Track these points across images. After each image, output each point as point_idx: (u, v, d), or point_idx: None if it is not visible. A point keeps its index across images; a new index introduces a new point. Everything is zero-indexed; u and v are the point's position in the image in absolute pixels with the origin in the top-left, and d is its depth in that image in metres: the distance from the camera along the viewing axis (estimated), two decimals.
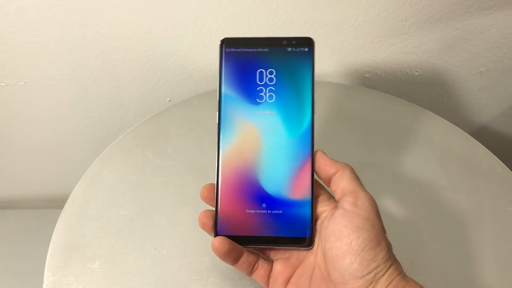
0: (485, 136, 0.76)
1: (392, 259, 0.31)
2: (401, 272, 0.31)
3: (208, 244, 0.46)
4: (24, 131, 0.76)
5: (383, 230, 0.32)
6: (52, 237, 0.48)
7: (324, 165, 0.35)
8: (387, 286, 0.30)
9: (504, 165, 0.54)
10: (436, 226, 0.48)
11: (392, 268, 0.31)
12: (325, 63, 0.65)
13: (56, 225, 0.49)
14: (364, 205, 0.32)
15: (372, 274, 0.30)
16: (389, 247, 0.32)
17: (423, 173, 0.53)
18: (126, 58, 0.64)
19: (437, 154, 0.55)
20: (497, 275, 0.44)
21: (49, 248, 0.47)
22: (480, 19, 0.59)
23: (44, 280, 0.44)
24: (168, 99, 0.71)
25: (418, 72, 0.66)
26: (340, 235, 0.31)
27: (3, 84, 0.67)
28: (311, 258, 0.35)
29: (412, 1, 0.57)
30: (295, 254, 0.35)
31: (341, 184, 0.34)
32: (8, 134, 0.77)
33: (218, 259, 0.35)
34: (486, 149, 0.56)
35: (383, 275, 0.30)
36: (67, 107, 0.72)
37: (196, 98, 0.63)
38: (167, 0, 0.57)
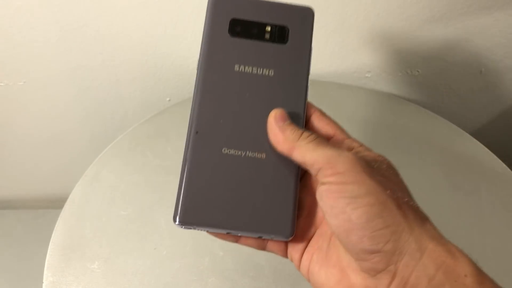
0: (485, 136, 0.76)
1: (413, 216, 0.25)
2: (434, 235, 0.25)
3: (208, 244, 0.46)
4: (23, 131, 0.76)
5: (382, 186, 0.25)
6: (52, 237, 0.47)
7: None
8: (421, 257, 0.24)
9: (505, 165, 0.54)
10: (435, 226, 0.48)
11: (418, 232, 0.25)
12: (325, 63, 0.65)
13: (56, 225, 0.48)
14: (345, 168, 0.26)
15: (390, 244, 0.24)
16: (399, 202, 0.26)
17: (423, 173, 0.53)
18: (126, 58, 0.64)
19: (437, 154, 0.55)
20: (497, 275, 0.44)
21: (49, 248, 0.46)
22: (481, 19, 0.59)
23: (44, 280, 0.44)
24: (168, 99, 0.71)
25: (418, 72, 0.66)
26: (334, 212, 0.25)
27: (2, 84, 0.67)
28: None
29: (412, 1, 0.57)
30: (314, 212, 0.30)
31: (308, 155, 0.27)
32: (8, 134, 0.77)
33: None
34: (486, 149, 0.56)
35: (407, 239, 0.24)
36: (67, 107, 0.72)
37: None
38: (166, 0, 0.57)
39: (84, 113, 0.73)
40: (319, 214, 0.30)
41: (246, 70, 0.31)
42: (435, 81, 0.68)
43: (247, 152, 0.30)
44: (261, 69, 0.31)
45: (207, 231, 0.30)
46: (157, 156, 0.55)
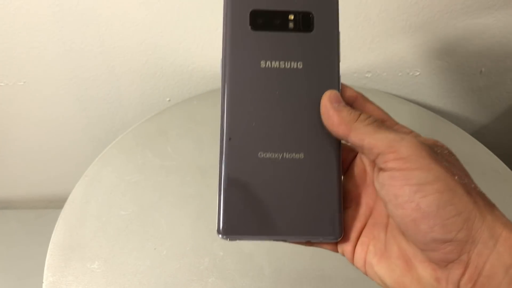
0: (486, 136, 0.76)
1: (482, 202, 0.24)
2: (505, 222, 0.24)
3: (208, 244, 0.46)
4: (23, 131, 0.76)
5: (449, 172, 0.24)
6: (52, 237, 0.47)
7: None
8: (495, 245, 0.23)
9: (505, 165, 0.54)
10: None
11: (490, 219, 0.23)
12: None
13: (56, 225, 0.48)
14: (409, 153, 0.24)
15: (463, 232, 0.23)
16: (468, 189, 0.24)
17: None
18: (126, 58, 0.64)
19: None
20: None
21: (49, 248, 0.46)
22: (481, 18, 0.59)
23: (44, 280, 0.44)
24: (168, 99, 0.71)
25: (418, 72, 0.66)
26: (399, 201, 0.24)
27: (2, 84, 0.67)
28: (381, 205, 0.28)
29: (412, 0, 0.57)
30: (364, 201, 0.29)
31: (367, 138, 0.25)
32: (8, 134, 0.76)
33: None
34: (486, 149, 0.56)
35: (480, 227, 0.23)
36: (66, 107, 0.72)
37: (196, 98, 0.63)
38: (167, 0, 0.57)
39: (84, 113, 0.73)
40: (369, 203, 0.28)
41: (273, 65, 0.29)
42: (435, 81, 0.68)
43: (285, 154, 0.28)
44: (289, 63, 0.29)
45: (254, 240, 0.29)
46: (157, 156, 0.55)
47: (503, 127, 0.75)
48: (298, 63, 0.29)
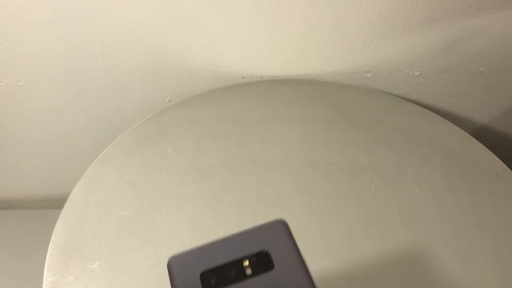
0: (486, 136, 0.76)
1: None
2: None
3: None
4: (23, 131, 0.76)
5: None
6: (52, 237, 0.47)
7: None
8: None
9: (505, 165, 0.54)
10: (436, 226, 0.48)
11: None
12: (325, 63, 0.65)
13: (56, 225, 0.48)
14: None
15: None
16: None
17: (423, 173, 0.53)
18: (126, 58, 0.64)
19: (437, 154, 0.55)
20: (498, 275, 0.44)
21: (49, 248, 0.46)
22: (481, 19, 0.59)
23: (44, 280, 0.44)
24: (168, 99, 0.71)
25: (418, 72, 0.66)
26: None
27: (2, 84, 0.67)
28: None
29: (412, 1, 0.57)
30: None
31: None
32: (8, 134, 0.76)
33: None
34: (486, 149, 0.56)
35: None
36: (66, 107, 0.72)
37: (196, 98, 0.63)
38: (167, 0, 0.57)
39: (84, 113, 0.73)
40: None
41: None
42: (435, 81, 0.68)
43: None
44: None
45: None
46: (157, 156, 0.55)
47: (503, 127, 0.75)
48: None
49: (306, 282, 0.26)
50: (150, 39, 0.62)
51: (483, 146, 0.57)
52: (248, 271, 0.27)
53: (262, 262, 0.27)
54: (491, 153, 0.56)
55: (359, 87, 0.67)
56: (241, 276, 0.27)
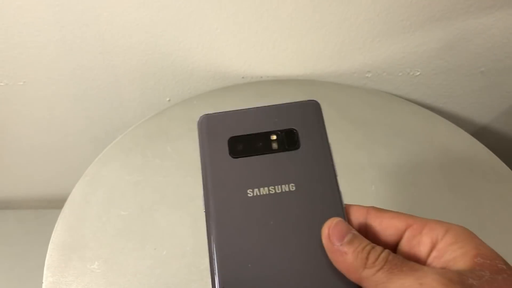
0: (486, 136, 0.76)
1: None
2: None
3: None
4: (23, 131, 0.76)
5: None
6: (52, 238, 0.47)
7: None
8: None
9: (505, 165, 0.54)
10: None
11: None
12: (325, 63, 0.65)
13: (56, 226, 0.48)
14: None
15: None
16: None
17: (424, 173, 0.53)
18: (126, 58, 0.64)
19: (438, 154, 0.55)
20: None
21: (48, 249, 0.46)
22: (481, 18, 0.59)
23: (43, 281, 0.44)
24: (168, 99, 0.71)
25: (418, 72, 0.66)
26: None
27: (2, 84, 0.67)
28: None
29: (412, 1, 0.57)
30: None
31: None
32: (8, 134, 0.76)
33: None
34: (487, 149, 0.56)
35: None
36: (66, 107, 0.72)
37: (196, 98, 0.63)
38: (167, 0, 0.57)
39: (84, 113, 0.73)
40: None
41: (262, 192, 0.26)
42: (435, 81, 0.68)
43: None
44: (279, 187, 0.26)
45: None
46: (157, 156, 0.55)
47: (503, 127, 0.75)
48: (290, 185, 0.26)
49: (327, 165, 0.27)
50: (150, 39, 0.62)
51: (483, 146, 0.56)
52: (274, 145, 0.27)
53: (289, 139, 0.27)
54: (491, 153, 0.56)
55: (359, 87, 0.67)
56: (267, 148, 0.27)
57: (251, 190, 0.26)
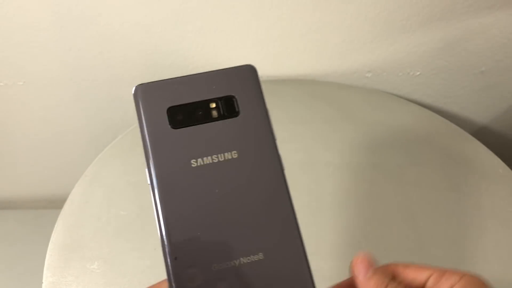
0: (486, 136, 0.76)
1: None
2: None
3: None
4: (23, 131, 0.76)
5: None
6: (51, 238, 0.47)
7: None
8: None
9: (505, 165, 0.54)
10: (436, 226, 0.48)
11: None
12: (325, 63, 0.65)
13: (55, 226, 0.48)
14: None
15: None
16: None
17: (424, 173, 0.53)
18: (126, 58, 0.64)
19: (438, 154, 0.55)
20: (498, 276, 0.44)
21: (48, 249, 0.46)
22: (481, 18, 0.59)
23: (43, 281, 0.44)
24: None
25: (418, 72, 0.66)
26: None
27: (2, 84, 0.67)
28: None
29: (412, 0, 0.57)
30: None
31: None
32: (8, 134, 0.76)
33: None
34: (487, 149, 0.56)
35: None
36: (66, 107, 0.72)
37: None
38: (166, 0, 0.57)
39: (84, 113, 0.73)
40: None
41: (205, 161, 0.26)
42: (435, 81, 0.68)
43: (242, 260, 0.25)
44: (222, 155, 0.26)
45: None
46: None
47: (503, 127, 0.75)
48: (233, 153, 0.26)
49: (267, 131, 0.27)
50: (150, 39, 0.62)
51: (483, 146, 0.56)
52: (214, 114, 0.27)
53: (229, 107, 0.27)
54: (491, 153, 0.56)
55: (359, 87, 0.67)
56: (207, 117, 0.27)
57: (194, 160, 0.26)
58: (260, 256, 0.25)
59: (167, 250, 0.26)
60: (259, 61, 0.65)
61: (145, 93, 0.28)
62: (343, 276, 0.46)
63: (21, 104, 0.71)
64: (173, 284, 0.25)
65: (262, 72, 0.66)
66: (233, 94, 0.28)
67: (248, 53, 0.64)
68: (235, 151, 0.27)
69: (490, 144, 0.58)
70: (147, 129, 0.27)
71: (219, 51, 0.63)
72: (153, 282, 0.43)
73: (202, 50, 0.63)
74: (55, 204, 0.89)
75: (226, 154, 0.26)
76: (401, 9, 0.58)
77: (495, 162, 0.54)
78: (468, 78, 0.67)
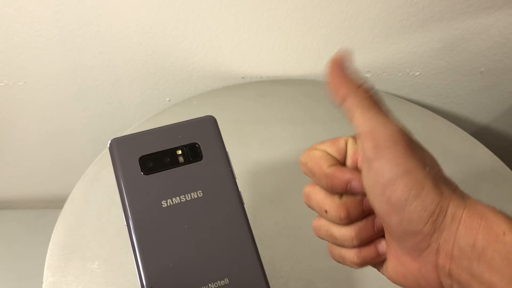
0: (486, 136, 0.76)
1: (447, 191, 0.25)
2: (465, 203, 0.25)
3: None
4: (23, 131, 0.76)
5: (421, 163, 0.25)
6: (52, 237, 0.47)
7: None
8: (458, 228, 0.24)
9: (505, 165, 0.54)
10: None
11: (451, 205, 0.24)
12: (326, 63, 0.65)
13: (56, 225, 0.48)
14: (385, 142, 0.25)
15: (429, 225, 0.24)
16: (436, 179, 0.25)
17: None
18: (126, 58, 0.64)
19: (437, 154, 0.55)
20: None
21: (49, 248, 0.46)
22: (481, 18, 0.59)
23: (44, 280, 0.44)
24: (167, 99, 0.71)
25: (418, 72, 0.66)
26: (374, 192, 0.25)
27: (2, 84, 0.67)
28: None
29: (412, 0, 0.57)
30: None
31: (356, 116, 0.28)
32: (8, 134, 0.76)
33: None
34: (486, 149, 0.56)
35: (444, 216, 0.24)
36: (66, 107, 0.72)
37: (195, 98, 0.63)
38: (166, 0, 0.57)
39: (84, 113, 0.73)
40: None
41: (174, 201, 0.30)
42: (435, 81, 0.68)
43: (210, 285, 0.29)
44: (189, 194, 0.30)
45: None
46: None
47: (503, 127, 0.75)
48: (198, 192, 0.30)
49: (227, 171, 0.31)
50: (150, 39, 0.62)
51: (483, 146, 0.56)
52: (181, 159, 0.31)
53: (193, 152, 0.31)
54: (491, 153, 0.56)
55: None
56: (175, 162, 0.31)
57: (165, 201, 0.30)
58: (226, 281, 0.29)
59: (144, 281, 0.29)
60: (259, 61, 0.65)
61: (119, 146, 0.32)
62: (343, 276, 0.46)
63: (22, 104, 0.71)
64: None
65: (262, 72, 0.67)
66: (196, 141, 0.32)
67: (248, 53, 0.64)
68: (200, 191, 0.30)
69: (490, 144, 0.58)
70: (122, 177, 0.31)
71: (219, 51, 0.63)
72: None
73: (202, 50, 0.63)
74: (56, 204, 0.89)
75: (192, 193, 0.30)
76: (401, 9, 0.58)
77: (495, 162, 0.54)
78: (468, 78, 0.67)
